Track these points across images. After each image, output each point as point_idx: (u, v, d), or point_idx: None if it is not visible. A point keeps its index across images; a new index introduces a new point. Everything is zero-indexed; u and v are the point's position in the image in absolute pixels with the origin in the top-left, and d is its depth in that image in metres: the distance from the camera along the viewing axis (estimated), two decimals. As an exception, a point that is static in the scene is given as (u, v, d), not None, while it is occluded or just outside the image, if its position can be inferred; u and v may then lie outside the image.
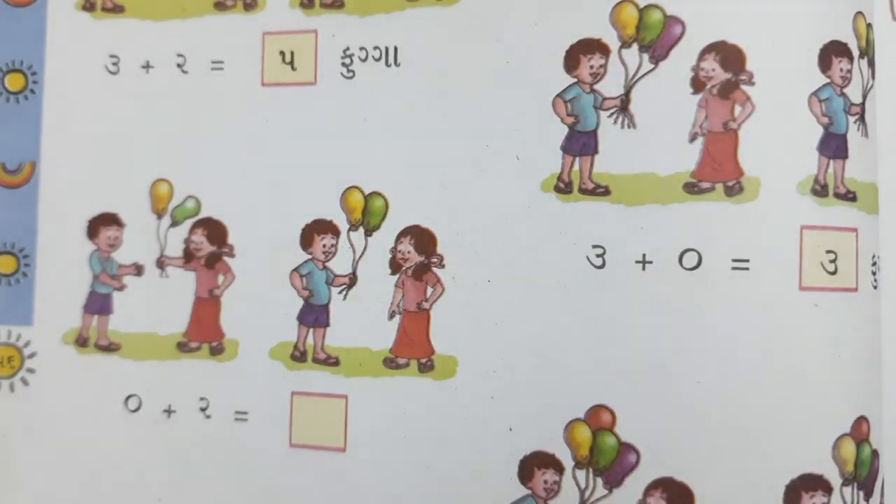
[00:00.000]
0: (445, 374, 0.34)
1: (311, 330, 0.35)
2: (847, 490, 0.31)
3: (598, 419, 0.32)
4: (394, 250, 0.35)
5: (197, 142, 0.37)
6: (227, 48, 0.37)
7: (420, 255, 0.34)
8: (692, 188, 0.32)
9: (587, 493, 0.32)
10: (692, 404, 0.31)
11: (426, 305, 0.34)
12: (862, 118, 0.32)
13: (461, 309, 0.34)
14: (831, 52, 0.32)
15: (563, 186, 0.33)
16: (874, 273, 0.32)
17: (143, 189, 0.37)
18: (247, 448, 0.36)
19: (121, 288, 0.37)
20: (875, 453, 0.32)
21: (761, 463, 0.31)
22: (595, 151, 0.33)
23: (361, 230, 0.35)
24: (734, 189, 0.31)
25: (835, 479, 0.31)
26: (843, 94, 0.32)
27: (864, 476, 0.31)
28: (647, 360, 0.32)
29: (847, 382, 0.31)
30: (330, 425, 0.35)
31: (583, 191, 0.33)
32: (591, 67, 0.33)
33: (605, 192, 0.33)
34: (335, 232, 0.35)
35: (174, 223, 0.37)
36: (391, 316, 0.35)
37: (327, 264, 0.35)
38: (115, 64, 0.38)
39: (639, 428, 0.32)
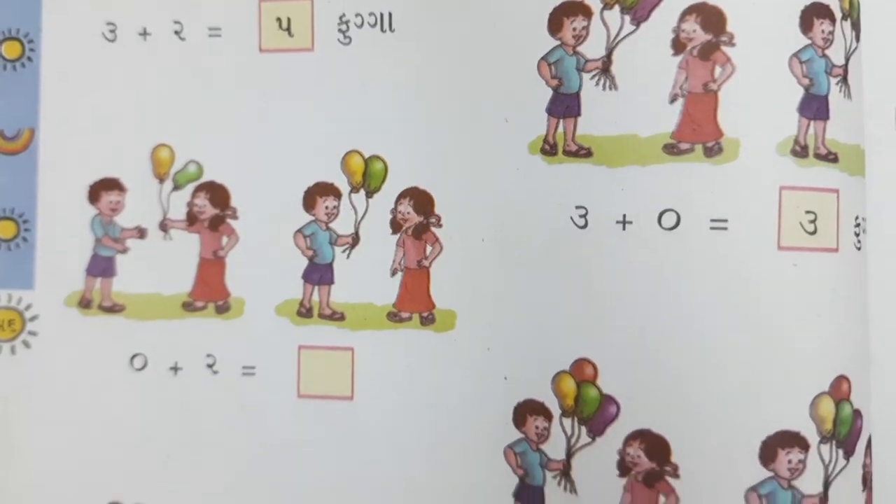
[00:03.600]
0: (445, 327, 0.37)
1: (317, 287, 0.38)
2: (825, 448, 0.32)
3: (582, 371, 0.35)
4: (394, 211, 0.37)
5: (197, 107, 0.39)
6: (224, 14, 0.39)
7: (419, 216, 0.37)
8: (672, 149, 0.33)
9: (573, 440, 0.35)
10: (670, 360, 0.33)
11: (426, 263, 0.37)
12: (844, 80, 0.34)
13: (459, 266, 0.37)
14: (812, 14, 0.33)
15: (548, 148, 0.36)
16: (857, 234, 0.34)
17: (144, 154, 0.39)
18: (255, 401, 0.39)
19: (124, 251, 0.39)
20: (857, 413, 0.33)
21: (738, 419, 0.32)
22: (578, 113, 0.35)
23: (362, 192, 0.37)
24: (713, 150, 0.33)
25: (812, 436, 0.32)
26: (824, 56, 0.33)
27: (843, 434, 0.33)
28: (627, 317, 0.34)
29: (826, 341, 0.32)
30: (337, 376, 0.38)
31: (567, 153, 0.35)
32: (574, 30, 0.35)
33: (588, 153, 0.35)
34: (337, 194, 0.38)
35: (176, 187, 0.39)
36: (393, 273, 0.37)
37: (330, 225, 0.38)
38: (112, 31, 0.40)
39: (619, 381, 0.34)
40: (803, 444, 0.32)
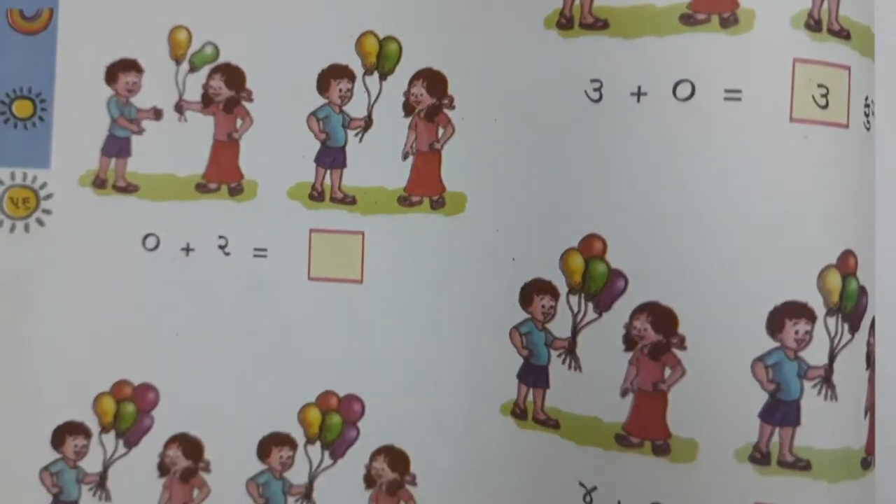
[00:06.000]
0: (456, 210, 0.38)
1: (329, 171, 0.38)
2: (831, 320, 0.32)
3: (591, 247, 0.35)
4: (407, 93, 0.37)
5: (214, -12, 0.39)
6: None
7: (432, 98, 0.37)
8: (688, 19, 0.33)
9: (579, 317, 0.35)
10: (680, 231, 0.33)
11: (438, 145, 0.37)
12: None
13: (470, 148, 0.38)
14: None
15: (564, 22, 0.36)
16: (867, 115, 0.34)
17: (162, 36, 0.39)
18: (266, 282, 0.39)
19: (139, 132, 0.39)
20: (863, 289, 0.33)
21: (746, 289, 0.32)
22: None
23: (376, 74, 0.37)
24: (729, 20, 0.33)
25: (819, 308, 0.32)
26: None
27: (849, 309, 0.33)
28: (638, 190, 0.34)
29: (834, 215, 0.33)
30: (347, 259, 0.38)
31: (583, 25, 0.35)
32: None
33: (605, 25, 0.35)
34: (351, 76, 0.38)
35: (193, 69, 0.39)
36: (405, 156, 0.38)
37: (343, 108, 0.37)
38: (133, -89, 0.39)
39: (628, 255, 0.34)
40: (810, 316, 0.32)
